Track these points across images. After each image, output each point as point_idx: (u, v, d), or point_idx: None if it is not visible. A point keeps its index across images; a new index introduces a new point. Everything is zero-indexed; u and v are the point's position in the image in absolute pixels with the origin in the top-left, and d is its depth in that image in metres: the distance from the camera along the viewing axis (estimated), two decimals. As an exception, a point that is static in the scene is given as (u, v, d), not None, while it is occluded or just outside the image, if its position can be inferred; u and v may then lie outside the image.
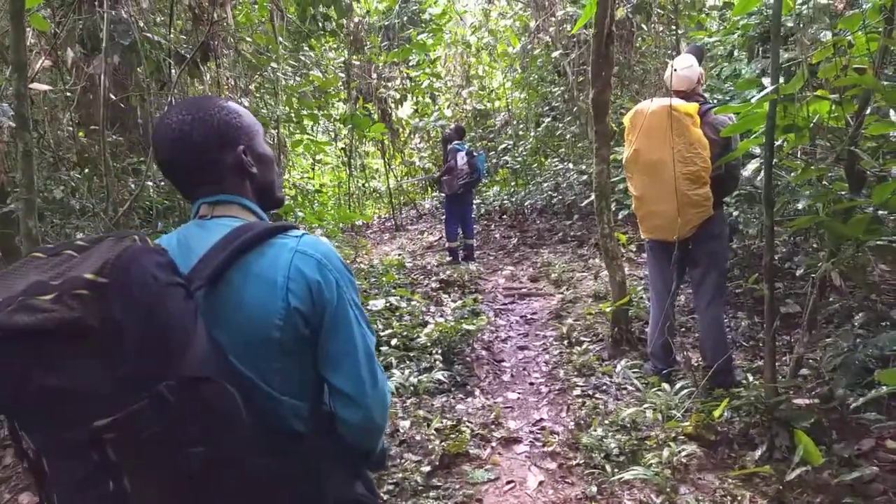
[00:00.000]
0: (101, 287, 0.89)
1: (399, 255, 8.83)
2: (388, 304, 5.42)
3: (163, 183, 5.60)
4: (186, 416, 0.96)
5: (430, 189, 14.59)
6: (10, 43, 2.27)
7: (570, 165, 9.19)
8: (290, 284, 1.15)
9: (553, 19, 8.60)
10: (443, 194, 8.63)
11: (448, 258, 8.36)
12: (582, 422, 3.60)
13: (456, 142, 8.26)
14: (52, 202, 4.96)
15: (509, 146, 11.10)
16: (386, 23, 12.39)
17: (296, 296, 1.15)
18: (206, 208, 1.26)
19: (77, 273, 0.90)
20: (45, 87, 3.68)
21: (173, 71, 4.50)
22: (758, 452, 2.87)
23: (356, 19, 8.73)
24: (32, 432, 0.96)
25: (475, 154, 8.21)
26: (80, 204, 5.10)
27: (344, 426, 1.23)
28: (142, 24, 4.50)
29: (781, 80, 2.91)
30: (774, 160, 3.21)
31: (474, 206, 9.27)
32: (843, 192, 3.13)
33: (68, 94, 5.00)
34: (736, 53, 6.79)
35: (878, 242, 3.00)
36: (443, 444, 3.37)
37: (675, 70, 3.59)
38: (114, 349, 0.90)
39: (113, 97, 4.76)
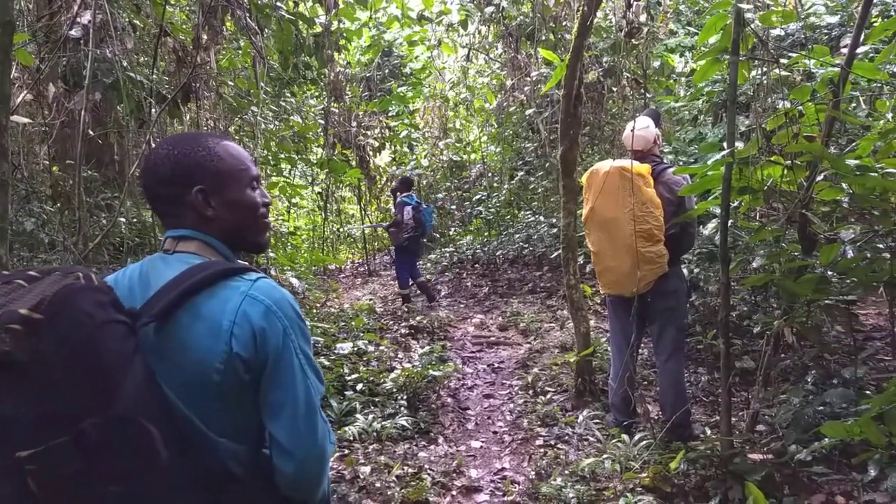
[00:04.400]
0: (34, 323, 0.93)
1: (370, 299, 8.85)
2: (355, 349, 5.42)
3: (134, 220, 5.61)
4: (107, 454, 0.98)
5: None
6: (-7, 76, 2.32)
7: (542, 218, 9.39)
8: (235, 329, 1.15)
9: (528, 79, 8.92)
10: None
11: (402, 304, 8.41)
12: (543, 471, 3.61)
13: (404, 194, 8.43)
14: (22, 234, 4.93)
15: (483, 197, 11.32)
16: (367, 74, 12.70)
17: (239, 341, 1.14)
18: (171, 242, 1.27)
19: (14, 307, 0.94)
20: (25, 120, 3.72)
21: (154, 110, 4.57)
22: (711, 504, 2.92)
23: (337, 69, 8.95)
24: None
25: (422, 208, 8.36)
26: (49, 237, 5.08)
27: (278, 475, 1.21)
28: (125, 64, 4.59)
29: (740, 144, 3.08)
30: (731, 220, 3.36)
31: (447, 254, 9.37)
32: (796, 253, 3.28)
33: (45, 128, 5.04)
34: (701, 118, 7.11)
35: (827, 301, 3.14)
36: (403, 491, 3.36)
37: (633, 131, 3.76)
38: (40, 384, 0.93)
39: (91, 133, 4.81)
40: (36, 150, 5.68)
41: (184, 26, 5.87)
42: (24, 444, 0.92)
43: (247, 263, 1.31)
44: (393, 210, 8.80)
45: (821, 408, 3.19)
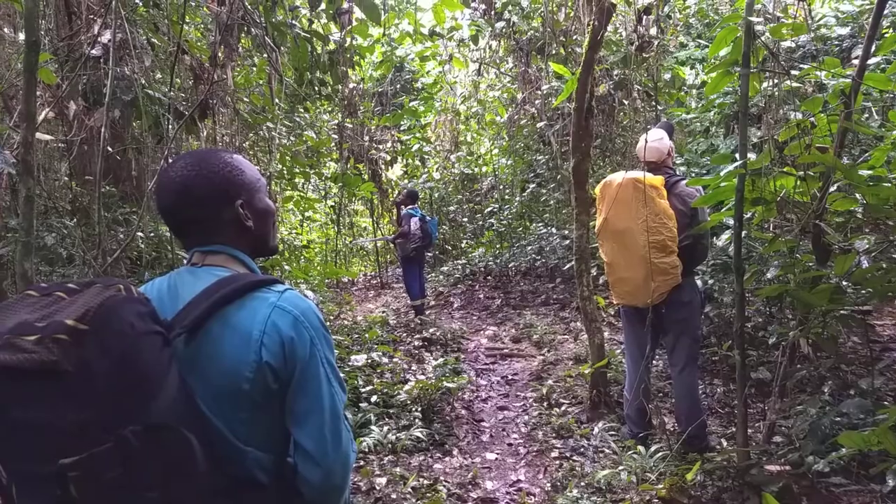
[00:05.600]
0: (80, 333, 0.96)
1: (383, 312, 8.88)
2: (369, 361, 5.45)
3: (152, 234, 5.68)
4: (147, 461, 1.00)
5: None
6: (22, 95, 2.40)
7: (554, 230, 9.40)
8: (265, 339, 1.18)
9: (539, 92, 8.96)
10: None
11: (415, 316, 8.44)
12: (558, 483, 3.61)
13: (410, 207, 8.54)
14: (42, 248, 5.02)
15: (495, 209, 11.35)
16: (379, 89, 12.81)
17: (269, 350, 1.18)
18: (199, 256, 1.31)
19: (61, 318, 0.97)
20: (48, 137, 3.80)
21: (171, 126, 4.65)
22: (729, 516, 2.91)
23: (351, 85, 9.06)
24: (4, 461, 1.00)
25: (428, 219, 8.52)
26: (68, 252, 5.16)
27: (303, 483, 1.23)
28: (143, 81, 4.68)
29: (752, 155, 3.10)
30: (745, 232, 3.37)
31: (459, 266, 9.40)
32: (811, 264, 3.28)
33: (62, 144, 5.14)
34: (713, 130, 7.11)
35: (842, 312, 3.13)
36: (419, 502, 3.37)
37: (647, 142, 3.79)
38: (85, 392, 0.96)
39: (110, 149, 4.89)
40: (56, 167, 5.78)
41: (199, 44, 5.98)
42: (66, 452, 0.95)
43: (273, 276, 1.35)
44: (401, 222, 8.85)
45: (838, 419, 3.18)
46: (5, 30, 4.86)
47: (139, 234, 5.20)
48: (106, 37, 4.24)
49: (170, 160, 4.34)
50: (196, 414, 1.14)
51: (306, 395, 1.22)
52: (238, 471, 1.20)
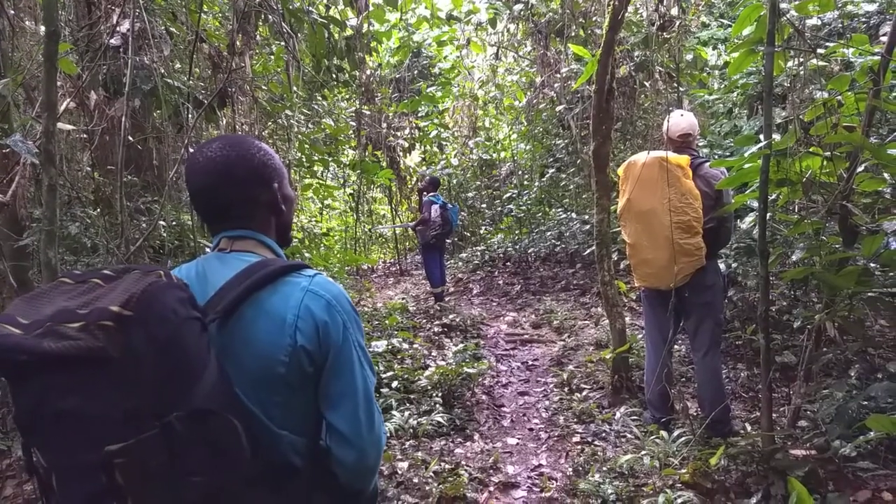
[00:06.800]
0: (125, 319, 0.95)
1: (403, 299, 8.91)
2: (390, 347, 5.47)
3: (174, 223, 5.74)
4: (191, 446, 1.00)
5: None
6: (42, 84, 2.42)
7: (574, 215, 9.33)
8: (299, 323, 1.19)
9: (558, 76, 8.87)
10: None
11: (434, 303, 8.46)
12: (580, 468, 3.60)
13: (431, 194, 8.54)
14: (66, 238, 5.09)
15: (514, 195, 11.29)
16: (397, 75, 12.77)
17: (303, 334, 1.19)
18: (226, 242, 1.31)
19: (104, 304, 0.96)
20: (69, 127, 3.83)
21: (191, 115, 4.68)
22: (753, 500, 2.88)
23: (368, 71, 9.04)
24: (46, 451, 1.00)
25: (449, 207, 8.52)
26: (91, 241, 5.23)
27: (338, 465, 1.25)
28: (163, 71, 4.70)
29: (777, 136, 3.03)
30: (770, 214, 3.31)
31: (478, 253, 9.38)
32: (837, 246, 3.21)
33: (84, 134, 5.19)
34: (736, 111, 6.99)
35: (870, 294, 3.07)
36: (440, 487, 3.38)
37: (672, 122, 3.72)
38: (130, 379, 0.96)
39: (131, 139, 4.94)
40: (78, 156, 5.84)
41: (217, 33, 6.00)
42: (112, 439, 0.95)
43: (302, 261, 1.35)
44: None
45: (865, 402, 3.13)
46: (26, 21, 4.91)
47: (161, 222, 5.25)
48: (125, 26, 4.27)
49: (191, 149, 4.38)
50: (235, 399, 1.15)
51: (340, 378, 1.23)
52: (273, 455, 1.21)
